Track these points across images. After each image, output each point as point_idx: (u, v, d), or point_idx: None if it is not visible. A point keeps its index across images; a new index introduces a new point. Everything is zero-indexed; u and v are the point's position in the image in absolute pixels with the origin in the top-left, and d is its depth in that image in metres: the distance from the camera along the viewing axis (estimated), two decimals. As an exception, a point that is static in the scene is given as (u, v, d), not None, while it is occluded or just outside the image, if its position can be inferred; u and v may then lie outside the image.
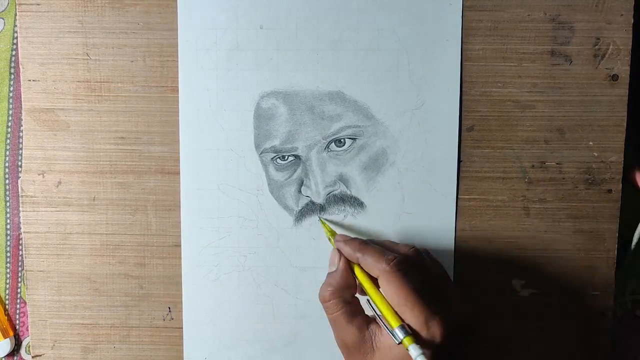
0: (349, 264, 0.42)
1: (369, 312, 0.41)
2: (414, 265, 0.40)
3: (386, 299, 0.39)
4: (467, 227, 0.48)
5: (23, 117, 0.48)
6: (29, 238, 0.49)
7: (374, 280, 0.40)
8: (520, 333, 0.49)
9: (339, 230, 0.48)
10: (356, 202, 0.48)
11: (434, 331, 0.37)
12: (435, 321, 0.37)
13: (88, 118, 0.48)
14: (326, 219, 0.48)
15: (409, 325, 0.37)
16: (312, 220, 0.48)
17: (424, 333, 0.37)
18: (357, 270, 0.41)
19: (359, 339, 0.39)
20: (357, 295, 0.42)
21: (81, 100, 0.48)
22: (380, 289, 0.40)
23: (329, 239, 0.46)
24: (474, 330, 0.39)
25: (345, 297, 0.40)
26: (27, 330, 0.51)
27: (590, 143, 0.48)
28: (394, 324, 0.37)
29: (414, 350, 0.36)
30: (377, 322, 0.39)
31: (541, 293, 0.49)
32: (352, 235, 0.47)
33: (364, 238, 0.46)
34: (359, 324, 0.40)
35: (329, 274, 0.42)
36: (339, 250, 0.42)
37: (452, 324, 0.38)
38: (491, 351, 0.49)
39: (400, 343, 0.36)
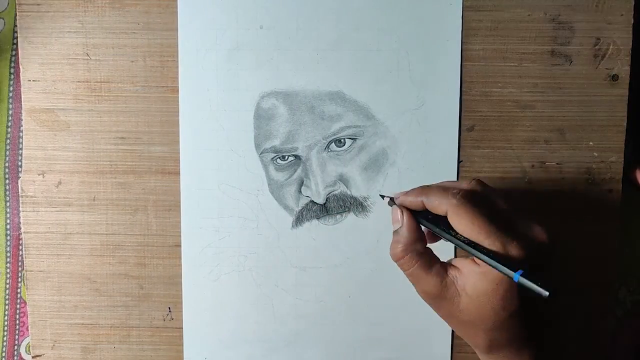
0: (413, 218, 0.41)
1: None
2: (480, 195, 0.39)
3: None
4: (467, 227, 0.48)
5: (23, 117, 0.48)
6: (29, 238, 0.49)
7: (444, 221, 0.40)
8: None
9: (337, 231, 0.48)
10: (356, 202, 0.48)
11: (515, 254, 0.36)
12: (513, 245, 0.37)
13: (88, 118, 0.48)
14: (325, 223, 0.48)
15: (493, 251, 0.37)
16: (312, 221, 0.48)
17: (506, 257, 0.37)
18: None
19: (442, 287, 0.39)
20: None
21: (81, 100, 0.48)
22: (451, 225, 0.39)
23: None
24: (552, 253, 0.39)
25: (417, 250, 0.40)
26: (27, 330, 0.51)
27: (591, 143, 0.48)
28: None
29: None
30: (454, 266, 0.39)
31: (541, 293, 0.49)
32: (352, 236, 0.48)
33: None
34: (438, 272, 0.39)
35: (394, 232, 0.41)
36: (399, 207, 0.41)
37: (530, 246, 0.37)
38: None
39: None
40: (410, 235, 0.40)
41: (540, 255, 0.38)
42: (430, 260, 0.40)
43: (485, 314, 0.38)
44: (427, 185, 0.41)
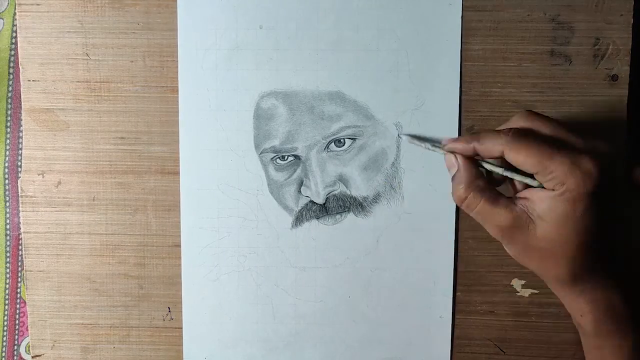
0: (469, 160, 0.41)
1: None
2: (530, 130, 0.38)
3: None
4: (467, 227, 0.48)
5: (23, 117, 0.48)
6: (29, 238, 0.49)
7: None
8: (520, 333, 0.49)
9: (337, 231, 0.48)
10: (356, 202, 0.48)
11: (588, 166, 0.35)
12: (583, 157, 0.36)
13: (88, 118, 0.48)
14: (324, 223, 0.48)
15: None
16: (312, 221, 0.48)
17: (578, 172, 0.36)
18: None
19: (512, 217, 0.38)
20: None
21: (81, 100, 0.48)
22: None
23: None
24: (617, 164, 0.38)
25: (480, 186, 0.39)
26: (27, 330, 0.51)
27: (590, 143, 0.48)
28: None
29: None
30: (521, 197, 0.38)
31: (541, 293, 0.49)
32: (352, 236, 0.48)
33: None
34: (506, 204, 0.38)
35: (453, 177, 0.41)
36: (452, 152, 0.41)
37: (601, 157, 0.36)
38: (491, 352, 0.49)
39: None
40: (469, 174, 0.40)
41: (609, 165, 0.37)
42: (494, 195, 0.39)
43: (566, 237, 0.36)
44: (475, 132, 0.41)
